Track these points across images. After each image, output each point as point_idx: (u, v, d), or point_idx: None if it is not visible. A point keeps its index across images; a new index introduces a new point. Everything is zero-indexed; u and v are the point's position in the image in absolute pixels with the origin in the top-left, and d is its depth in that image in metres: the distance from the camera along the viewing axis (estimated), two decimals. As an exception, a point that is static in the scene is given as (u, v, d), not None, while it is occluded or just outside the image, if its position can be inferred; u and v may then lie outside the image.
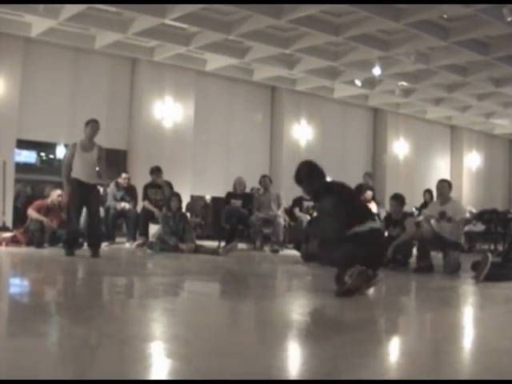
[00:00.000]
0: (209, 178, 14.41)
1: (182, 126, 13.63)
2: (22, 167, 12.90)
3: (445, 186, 7.66)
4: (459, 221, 7.42)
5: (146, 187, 10.75)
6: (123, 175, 10.85)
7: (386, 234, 8.19)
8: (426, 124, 18.94)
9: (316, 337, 3.23)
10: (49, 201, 9.41)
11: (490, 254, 6.41)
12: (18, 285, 5.40)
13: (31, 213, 9.32)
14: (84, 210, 9.59)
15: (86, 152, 7.69)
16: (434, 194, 13.26)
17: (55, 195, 9.42)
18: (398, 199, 8.18)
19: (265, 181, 11.22)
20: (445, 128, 19.93)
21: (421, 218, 11.59)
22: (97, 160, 7.75)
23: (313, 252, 8.43)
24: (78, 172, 7.66)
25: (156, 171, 10.71)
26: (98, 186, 10.78)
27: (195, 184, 13.88)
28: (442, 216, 7.35)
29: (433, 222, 7.56)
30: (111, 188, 10.83)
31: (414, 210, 13.14)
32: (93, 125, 7.85)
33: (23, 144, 12.56)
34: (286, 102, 15.48)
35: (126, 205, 10.50)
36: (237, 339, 3.13)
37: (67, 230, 8.02)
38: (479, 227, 12.95)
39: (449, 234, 7.33)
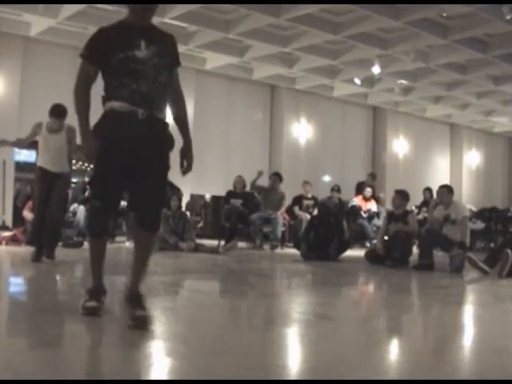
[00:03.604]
0: (208, 176, 14.40)
1: (182, 124, 13.63)
2: (21, 166, 12.87)
3: (444, 191, 7.76)
4: (462, 219, 7.50)
5: None
6: (123, 174, 10.83)
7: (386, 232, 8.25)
8: (426, 122, 18.94)
9: (316, 335, 3.23)
10: None
11: (509, 251, 6.52)
12: (17, 284, 5.41)
13: (26, 214, 9.34)
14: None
15: (52, 134, 6.54)
16: (434, 193, 13.33)
17: None
18: (401, 194, 8.31)
19: (274, 180, 11.26)
20: (444, 126, 19.92)
21: (420, 216, 11.66)
22: (66, 143, 6.56)
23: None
24: (41, 159, 6.56)
25: None
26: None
27: (195, 183, 13.86)
28: (446, 219, 7.46)
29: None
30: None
31: (413, 208, 13.15)
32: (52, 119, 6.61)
33: (23, 143, 12.54)
34: (286, 101, 15.47)
35: (125, 203, 10.50)
36: (237, 338, 3.14)
37: (31, 226, 7.08)
38: (479, 225, 12.96)
39: (454, 235, 7.38)
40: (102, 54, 3.28)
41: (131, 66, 3.19)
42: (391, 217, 8.30)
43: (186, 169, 3.59)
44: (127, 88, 3.21)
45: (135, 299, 3.19)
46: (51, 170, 6.43)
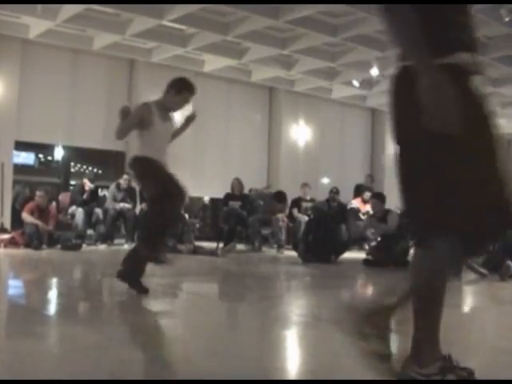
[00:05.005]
0: (207, 179, 14.40)
1: (180, 127, 13.62)
2: (20, 169, 12.87)
3: None
4: None
5: (142, 190, 10.76)
6: (124, 176, 10.88)
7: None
8: (424, 124, 18.95)
9: (315, 337, 3.23)
10: (38, 201, 9.45)
11: (510, 263, 6.59)
12: (16, 286, 5.40)
13: (25, 217, 9.35)
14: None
15: (166, 121, 4.89)
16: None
17: (36, 196, 9.51)
18: (378, 197, 8.47)
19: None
20: (443, 128, 19.93)
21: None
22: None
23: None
24: (157, 151, 4.71)
25: None
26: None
27: (193, 185, 13.83)
28: None
29: None
30: (112, 189, 10.86)
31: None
32: (185, 96, 5.03)
33: (21, 145, 12.54)
34: (284, 103, 15.46)
35: (125, 205, 10.52)
36: (236, 340, 3.13)
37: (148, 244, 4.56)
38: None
39: None
40: None
41: None
42: (373, 219, 8.51)
43: None
44: (467, 31, 2.01)
45: None
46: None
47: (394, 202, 8.97)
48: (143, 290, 4.30)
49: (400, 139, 2.03)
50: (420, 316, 2.10)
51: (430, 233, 2.00)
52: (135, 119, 4.69)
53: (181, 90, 4.88)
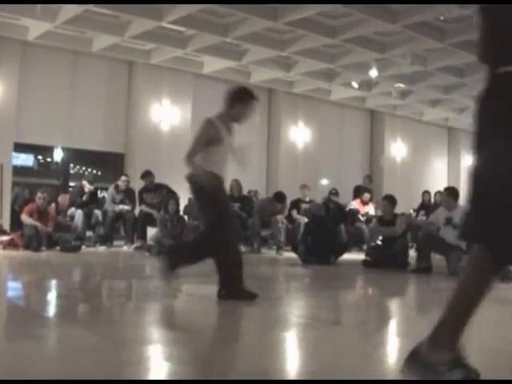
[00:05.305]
0: (206, 180, 14.42)
1: (180, 128, 13.61)
2: (19, 170, 12.85)
3: (443, 194, 7.84)
4: None
5: (141, 192, 10.78)
6: (123, 178, 10.87)
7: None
8: (423, 126, 18.96)
9: (314, 339, 3.23)
10: (38, 203, 9.45)
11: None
12: (15, 288, 5.40)
13: (24, 218, 9.35)
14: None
15: (230, 134, 4.75)
16: (432, 195, 13.35)
17: (37, 198, 9.51)
18: (390, 200, 8.36)
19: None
20: (442, 129, 19.94)
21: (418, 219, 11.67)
22: None
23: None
24: (222, 167, 4.67)
25: (147, 175, 10.76)
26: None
27: (193, 186, 13.87)
28: (448, 222, 7.44)
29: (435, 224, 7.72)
30: (110, 191, 10.86)
31: (411, 211, 13.16)
32: (251, 103, 4.78)
33: (21, 147, 12.52)
34: (283, 104, 15.48)
35: (123, 207, 10.52)
36: (235, 342, 3.14)
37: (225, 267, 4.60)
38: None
39: (453, 239, 7.37)
40: None
41: None
42: (381, 222, 8.40)
43: None
44: None
45: None
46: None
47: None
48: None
49: (489, 148, 1.94)
50: (457, 301, 2.12)
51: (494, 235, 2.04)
52: (204, 140, 4.57)
53: (243, 99, 4.74)
